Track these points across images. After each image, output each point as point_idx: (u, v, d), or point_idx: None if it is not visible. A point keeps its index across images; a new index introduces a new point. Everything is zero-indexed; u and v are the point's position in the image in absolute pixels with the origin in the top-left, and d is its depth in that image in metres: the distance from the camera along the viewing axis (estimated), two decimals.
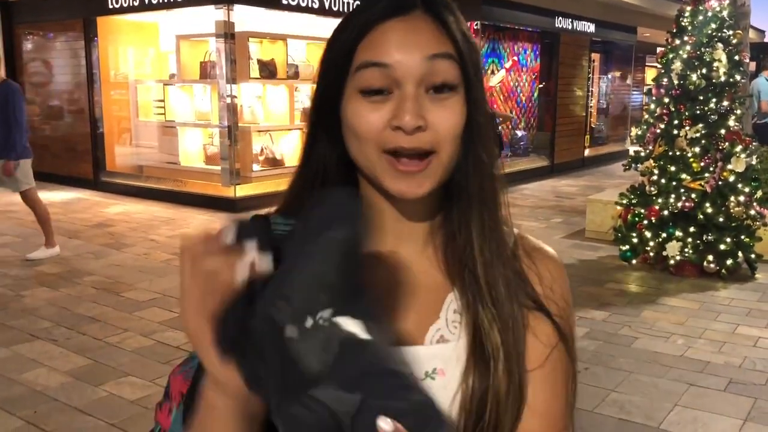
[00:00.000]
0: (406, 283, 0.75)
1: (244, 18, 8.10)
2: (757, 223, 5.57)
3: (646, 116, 6.02)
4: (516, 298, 0.75)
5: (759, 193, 5.59)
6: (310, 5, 8.68)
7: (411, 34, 0.69)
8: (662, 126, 5.80)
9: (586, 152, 13.69)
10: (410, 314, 0.75)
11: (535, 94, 12.90)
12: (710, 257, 5.44)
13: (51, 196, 9.05)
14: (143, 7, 8.75)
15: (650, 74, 16.52)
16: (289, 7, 8.51)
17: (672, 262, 5.54)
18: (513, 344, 0.73)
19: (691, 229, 5.50)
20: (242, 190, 8.11)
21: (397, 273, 0.75)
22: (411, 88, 0.68)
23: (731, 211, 5.44)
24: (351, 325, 0.54)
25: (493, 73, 11.71)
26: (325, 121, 0.73)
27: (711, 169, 5.54)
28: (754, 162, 5.66)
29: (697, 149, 5.61)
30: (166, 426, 0.78)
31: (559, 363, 0.76)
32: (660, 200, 5.62)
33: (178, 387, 0.77)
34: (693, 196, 5.51)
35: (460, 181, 0.74)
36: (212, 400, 0.61)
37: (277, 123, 8.86)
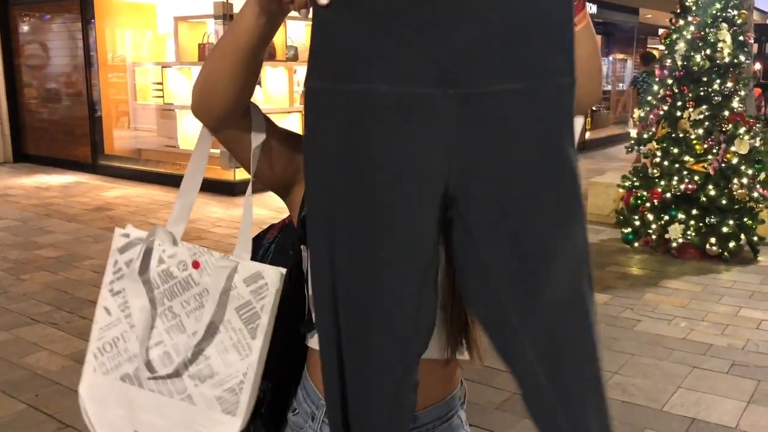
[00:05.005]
0: None
1: None
2: (760, 205, 5.53)
3: (649, 98, 5.96)
4: None
5: (762, 176, 5.54)
6: None
7: None
8: (665, 108, 5.76)
9: (587, 135, 13.62)
10: None
11: None
12: (713, 240, 5.42)
13: (49, 180, 9.01)
14: None
15: None
16: None
17: (674, 244, 5.52)
18: None
19: (694, 212, 5.47)
20: (242, 174, 8.05)
21: None
22: None
23: (734, 193, 5.41)
24: None
25: None
26: None
27: (714, 151, 5.50)
28: (757, 144, 5.62)
29: (700, 131, 5.56)
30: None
31: None
32: (662, 183, 5.58)
33: None
34: (696, 178, 5.48)
35: None
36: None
37: (277, 105, 8.79)
